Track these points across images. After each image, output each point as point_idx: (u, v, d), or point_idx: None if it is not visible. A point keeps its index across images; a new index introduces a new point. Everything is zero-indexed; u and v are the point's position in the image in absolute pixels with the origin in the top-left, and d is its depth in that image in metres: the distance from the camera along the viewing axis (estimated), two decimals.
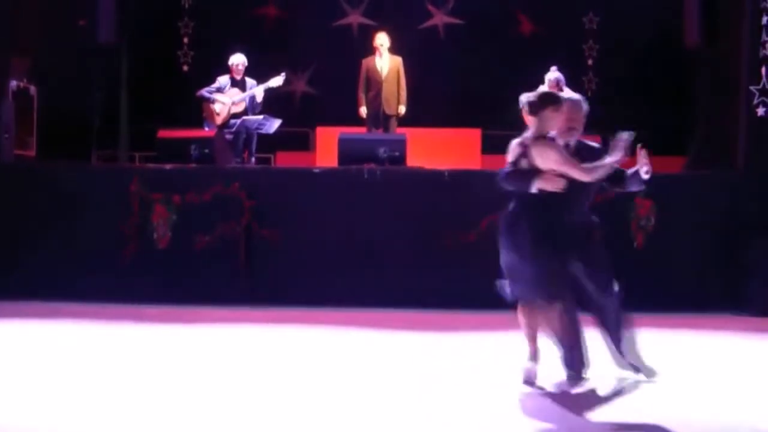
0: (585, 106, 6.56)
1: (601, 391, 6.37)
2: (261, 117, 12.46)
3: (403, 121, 13.21)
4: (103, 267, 10.38)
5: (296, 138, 14.91)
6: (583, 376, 6.58)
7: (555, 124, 6.39)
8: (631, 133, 6.32)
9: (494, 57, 14.88)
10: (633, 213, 10.31)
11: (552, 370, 6.60)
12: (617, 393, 6.29)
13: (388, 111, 13.02)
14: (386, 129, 13.03)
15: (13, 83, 12.00)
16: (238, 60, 12.60)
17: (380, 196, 10.48)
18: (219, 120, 12.50)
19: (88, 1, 13.35)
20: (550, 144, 6.34)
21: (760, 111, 10.84)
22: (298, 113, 15.16)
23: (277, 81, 12.54)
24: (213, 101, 12.50)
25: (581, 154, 6.41)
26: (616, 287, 6.48)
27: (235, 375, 6.80)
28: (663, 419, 5.66)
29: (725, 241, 10.27)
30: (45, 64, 12.64)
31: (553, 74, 11.87)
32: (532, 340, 6.50)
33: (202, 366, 7.11)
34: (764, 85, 10.83)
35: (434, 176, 10.63)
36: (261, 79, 12.54)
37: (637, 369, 6.57)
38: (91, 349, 7.75)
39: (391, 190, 10.49)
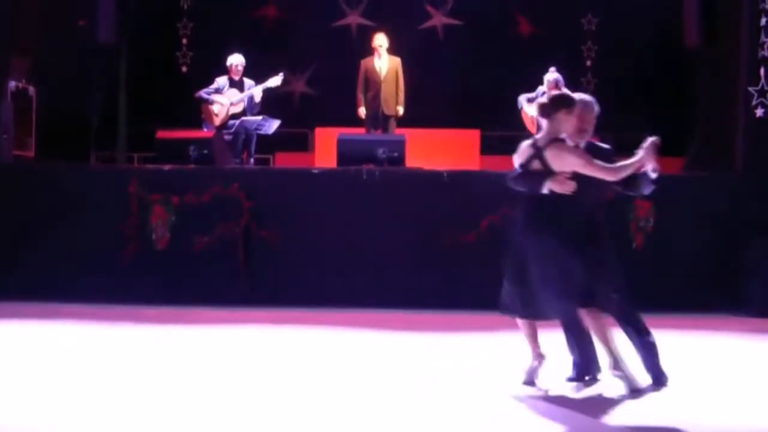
0: (597, 108, 6.53)
1: (601, 392, 6.37)
2: (260, 118, 12.46)
3: (402, 122, 13.21)
4: (102, 268, 10.38)
5: (295, 139, 14.91)
6: (598, 378, 6.59)
7: (568, 126, 6.35)
8: (657, 137, 6.30)
9: (493, 58, 14.87)
10: (632, 214, 10.32)
11: (552, 371, 6.60)
12: (617, 394, 6.29)
13: (387, 111, 13.02)
14: (385, 130, 13.03)
15: (12, 83, 11.99)
16: (236, 60, 12.59)
17: (379, 196, 10.48)
18: (218, 121, 12.50)
19: (87, 1, 13.35)
20: (568, 148, 6.30)
21: (759, 112, 10.84)
22: (297, 114, 15.16)
23: (275, 81, 12.54)
24: (211, 102, 12.50)
25: (592, 156, 6.35)
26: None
27: (235, 376, 6.79)
28: (663, 420, 5.67)
29: (724, 242, 10.27)
30: (44, 64, 12.63)
31: (551, 75, 11.89)
32: (533, 340, 6.50)
33: (201, 366, 7.11)
34: (763, 86, 10.83)
35: (433, 177, 10.64)
36: (260, 79, 12.53)
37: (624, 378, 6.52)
38: (90, 349, 7.74)
39: (390, 191, 10.49)
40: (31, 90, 12.48)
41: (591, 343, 6.55)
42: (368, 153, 11.05)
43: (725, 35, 12.28)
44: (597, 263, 6.23)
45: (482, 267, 9.92)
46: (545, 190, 6.25)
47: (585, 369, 6.65)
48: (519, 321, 6.50)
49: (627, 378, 6.26)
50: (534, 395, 6.27)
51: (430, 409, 5.82)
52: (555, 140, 6.29)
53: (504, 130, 13.44)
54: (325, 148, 13.18)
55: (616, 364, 6.27)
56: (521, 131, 12.08)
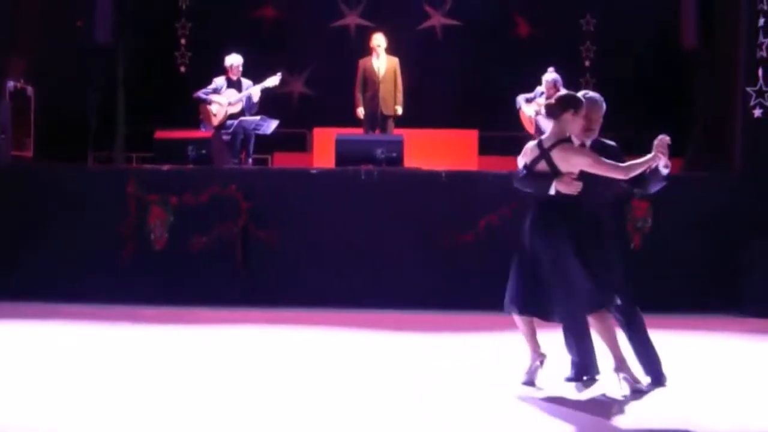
0: (604, 106, 6.52)
1: (601, 393, 6.37)
2: (258, 118, 12.45)
3: (401, 122, 13.21)
4: (101, 268, 10.37)
5: (293, 139, 14.90)
6: (596, 379, 6.60)
7: (575, 126, 6.34)
8: (666, 135, 6.31)
9: (492, 58, 14.87)
10: (630, 214, 10.31)
11: (552, 371, 6.60)
12: (617, 394, 6.29)
13: (386, 111, 13.02)
14: (383, 130, 13.03)
15: (11, 83, 11.98)
16: (234, 61, 12.58)
17: (377, 197, 10.48)
18: (216, 121, 12.49)
19: (85, 1, 13.34)
20: (576, 148, 6.29)
21: (757, 112, 10.85)
22: (295, 114, 15.14)
23: (273, 81, 12.53)
24: (210, 102, 12.49)
25: (599, 154, 6.34)
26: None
27: (233, 376, 6.79)
28: (662, 420, 5.67)
29: (722, 242, 10.27)
30: (42, 64, 12.61)
31: (550, 75, 11.89)
32: (532, 339, 6.50)
33: (199, 366, 7.11)
34: (761, 86, 10.84)
35: (431, 177, 10.64)
36: (258, 79, 12.53)
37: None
38: (89, 349, 7.75)
39: (389, 191, 10.49)
40: (30, 90, 12.47)
41: (591, 343, 6.56)
42: (366, 153, 11.05)
43: (723, 36, 12.29)
44: (603, 263, 6.24)
45: (480, 267, 9.97)
46: (552, 191, 6.25)
47: (583, 369, 6.66)
48: (518, 320, 6.50)
49: (628, 379, 6.27)
50: (534, 395, 6.27)
51: (429, 409, 5.83)
52: (561, 141, 6.29)
53: (502, 131, 13.46)
54: (324, 148, 13.18)
55: (619, 365, 6.28)
56: (519, 132, 12.11)
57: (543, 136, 6.48)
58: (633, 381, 6.29)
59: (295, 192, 10.57)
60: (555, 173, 6.24)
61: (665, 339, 7.03)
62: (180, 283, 10.36)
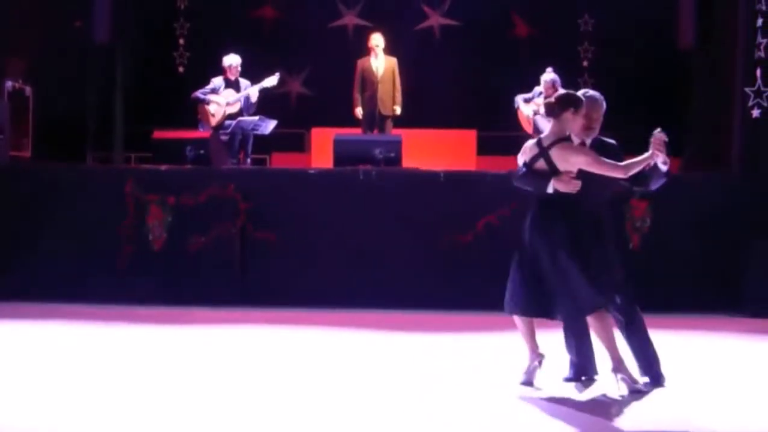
0: (604, 104, 6.51)
1: (600, 393, 6.37)
2: (257, 118, 12.44)
3: (399, 122, 13.21)
4: (99, 268, 10.36)
5: (292, 139, 14.91)
6: (594, 379, 6.60)
7: (575, 126, 6.34)
8: (662, 130, 6.30)
9: (490, 58, 14.88)
10: (629, 214, 10.31)
11: (552, 371, 6.60)
12: (616, 394, 6.29)
13: (384, 111, 13.02)
14: (382, 130, 13.03)
15: (9, 84, 11.99)
16: (232, 61, 12.57)
17: (376, 197, 10.47)
18: (214, 121, 12.49)
19: (84, 2, 13.33)
20: (575, 147, 6.29)
21: (755, 112, 10.86)
22: (293, 114, 15.14)
23: (271, 81, 12.53)
24: (208, 102, 12.49)
25: (599, 153, 6.33)
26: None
27: (232, 376, 6.79)
28: (661, 420, 5.68)
29: (721, 242, 10.27)
30: (41, 64, 12.62)
31: (548, 75, 11.91)
32: (531, 339, 6.50)
33: (198, 367, 7.11)
34: (759, 86, 10.84)
35: (430, 177, 10.63)
36: (256, 79, 12.53)
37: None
38: (88, 349, 7.74)
39: (387, 192, 10.48)
40: (28, 90, 12.48)
41: (590, 343, 6.55)
42: (365, 153, 11.04)
43: (721, 36, 12.30)
44: (603, 263, 6.24)
45: (479, 267, 9.96)
46: (550, 190, 6.25)
47: (582, 369, 6.66)
48: (517, 320, 6.50)
49: (626, 379, 6.27)
50: (532, 395, 6.27)
51: (429, 409, 5.83)
52: (561, 139, 6.29)
53: (501, 131, 13.46)
54: (322, 148, 13.18)
55: (617, 366, 6.28)
56: (518, 131, 12.11)
57: (542, 135, 6.48)
58: (631, 381, 6.29)
59: (293, 192, 10.57)
60: (553, 172, 6.25)
61: (665, 339, 7.04)
62: (178, 283, 10.35)
